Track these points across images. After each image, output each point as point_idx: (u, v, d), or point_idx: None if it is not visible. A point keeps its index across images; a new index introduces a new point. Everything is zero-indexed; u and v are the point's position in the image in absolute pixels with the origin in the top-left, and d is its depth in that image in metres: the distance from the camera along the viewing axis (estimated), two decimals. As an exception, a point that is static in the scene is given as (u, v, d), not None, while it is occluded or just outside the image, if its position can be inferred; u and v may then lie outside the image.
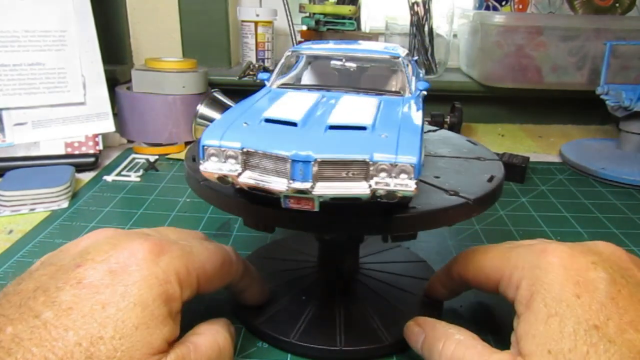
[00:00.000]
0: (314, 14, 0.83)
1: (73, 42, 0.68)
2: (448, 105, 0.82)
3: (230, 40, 0.95)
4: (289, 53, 0.38)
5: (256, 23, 0.92)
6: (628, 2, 0.97)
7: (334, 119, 0.28)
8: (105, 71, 0.71)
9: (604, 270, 0.27)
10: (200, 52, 0.91)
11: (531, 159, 0.69)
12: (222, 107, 0.71)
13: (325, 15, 0.83)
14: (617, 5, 0.97)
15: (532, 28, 0.85)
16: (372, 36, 0.89)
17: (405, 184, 0.25)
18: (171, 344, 0.27)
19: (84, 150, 0.69)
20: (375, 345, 0.34)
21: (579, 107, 0.95)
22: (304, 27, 0.86)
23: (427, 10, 0.89)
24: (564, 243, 0.30)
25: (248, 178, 0.26)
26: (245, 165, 0.26)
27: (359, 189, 0.25)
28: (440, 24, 0.93)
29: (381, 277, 0.41)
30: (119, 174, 0.65)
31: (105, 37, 0.74)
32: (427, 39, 0.91)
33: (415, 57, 0.46)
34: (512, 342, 0.28)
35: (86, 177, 0.65)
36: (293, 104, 0.30)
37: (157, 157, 0.72)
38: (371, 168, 0.25)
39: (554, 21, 0.87)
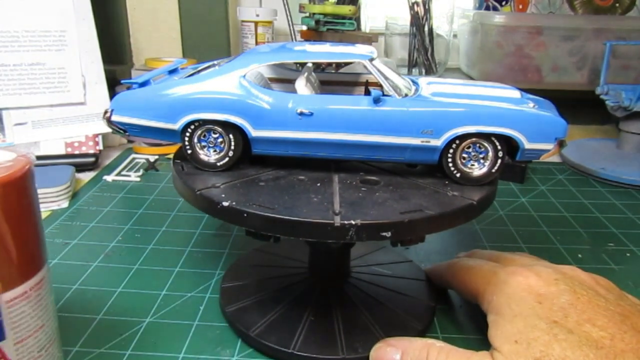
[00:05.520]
0: (314, 14, 0.83)
1: (73, 42, 0.68)
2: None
3: (230, 40, 0.95)
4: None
5: (256, 23, 0.92)
6: (628, 2, 0.97)
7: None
8: (105, 71, 0.71)
9: (565, 284, 0.30)
10: (200, 52, 0.91)
11: (531, 159, 0.69)
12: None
13: (325, 15, 0.83)
14: (617, 5, 0.97)
15: (532, 28, 0.85)
16: (372, 36, 0.89)
17: None
18: None
19: (84, 150, 0.69)
20: None
21: (579, 107, 0.95)
22: (304, 27, 0.86)
23: (427, 10, 0.89)
24: (537, 268, 0.32)
25: None
26: None
27: None
28: (440, 24, 0.93)
29: (372, 280, 0.41)
30: (119, 174, 0.65)
31: (105, 37, 0.74)
32: (427, 39, 0.91)
33: None
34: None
35: (86, 177, 0.65)
36: None
37: (157, 157, 0.72)
38: None
39: (554, 21, 0.87)
